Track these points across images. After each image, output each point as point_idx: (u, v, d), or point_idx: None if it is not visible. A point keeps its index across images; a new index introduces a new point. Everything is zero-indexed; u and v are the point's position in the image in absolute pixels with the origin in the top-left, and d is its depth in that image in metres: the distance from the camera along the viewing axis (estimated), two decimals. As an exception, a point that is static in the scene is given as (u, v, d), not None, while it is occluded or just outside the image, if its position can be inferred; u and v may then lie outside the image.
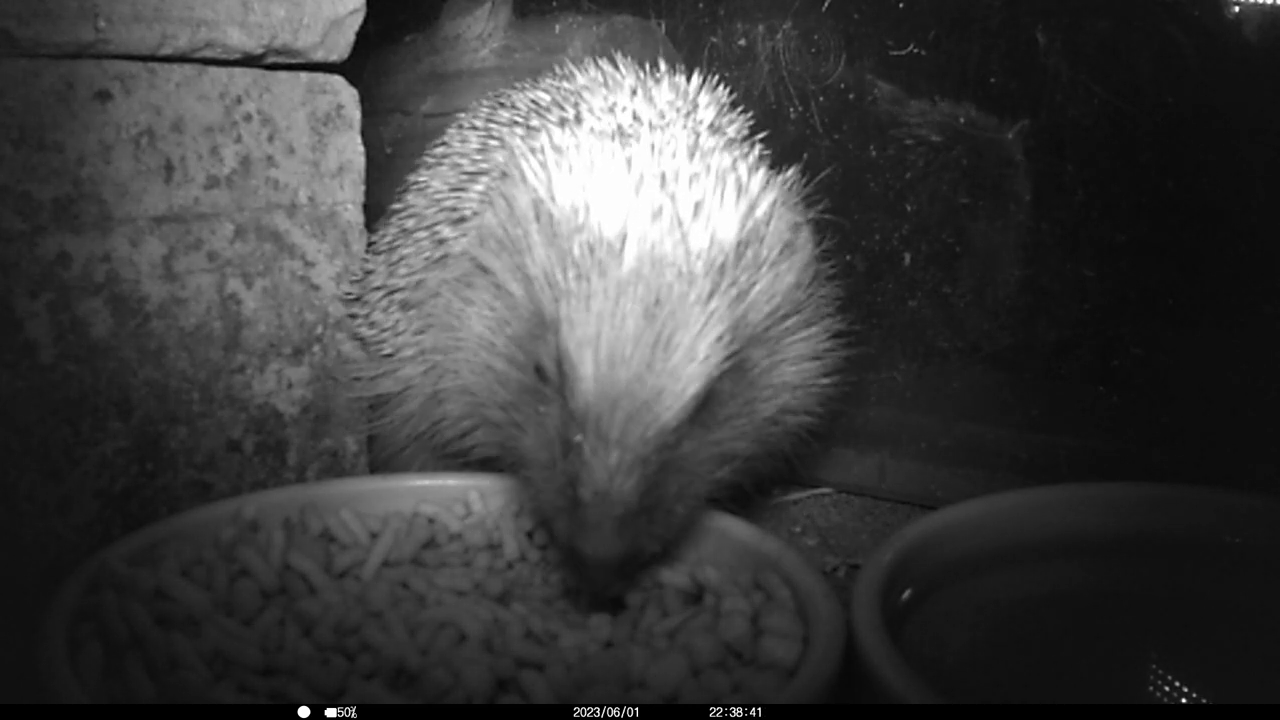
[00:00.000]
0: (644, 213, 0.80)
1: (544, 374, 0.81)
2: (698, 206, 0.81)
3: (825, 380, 0.95)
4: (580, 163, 0.84)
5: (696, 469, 0.82)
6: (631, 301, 0.76)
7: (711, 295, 0.78)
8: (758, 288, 0.83)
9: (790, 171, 0.94)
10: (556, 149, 0.87)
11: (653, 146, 0.87)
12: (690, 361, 0.77)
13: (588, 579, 0.78)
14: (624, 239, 0.78)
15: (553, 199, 0.83)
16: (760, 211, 0.84)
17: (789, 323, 0.89)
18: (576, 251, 0.79)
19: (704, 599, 0.84)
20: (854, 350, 0.99)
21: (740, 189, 0.84)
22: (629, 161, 0.84)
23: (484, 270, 0.90)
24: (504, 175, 0.92)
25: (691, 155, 0.87)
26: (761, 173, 0.88)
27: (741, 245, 0.82)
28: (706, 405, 0.80)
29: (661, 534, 0.80)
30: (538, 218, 0.83)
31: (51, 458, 0.92)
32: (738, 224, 0.82)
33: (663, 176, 0.83)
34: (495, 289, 0.88)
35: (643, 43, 1.35)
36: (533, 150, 0.90)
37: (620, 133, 0.92)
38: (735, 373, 0.83)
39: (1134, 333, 1.17)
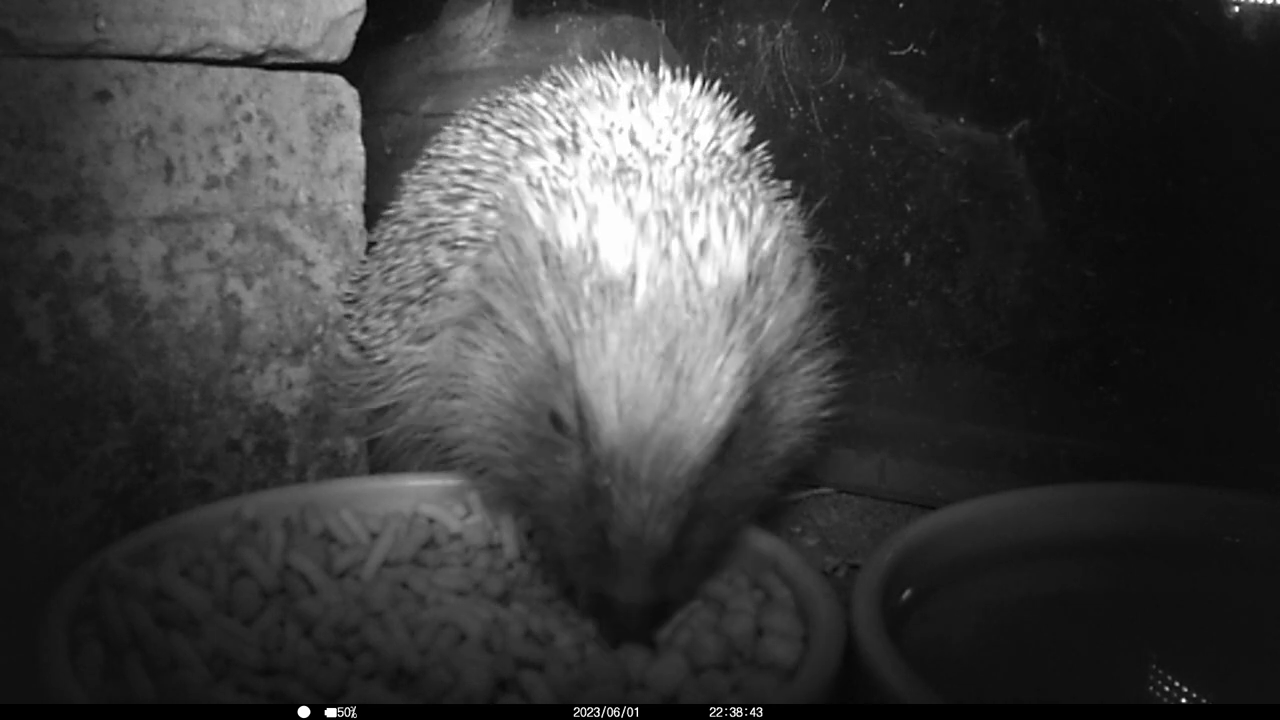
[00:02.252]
0: (652, 252, 0.78)
1: (560, 421, 0.79)
2: (703, 245, 0.80)
3: (825, 414, 0.94)
4: (583, 207, 0.83)
5: (721, 514, 0.80)
6: (648, 339, 0.74)
7: (729, 329, 0.77)
8: (770, 323, 0.82)
9: (790, 205, 0.93)
10: (559, 193, 0.85)
11: (652, 181, 0.85)
12: (714, 395, 0.75)
13: (616, 625, 0.77)
14: (634, 277, 0.77)
15: (559, 241, 0.81)
16: (766, 247, 0.83)
17: (795, 357, 0.88)
18: (587, 292, 0.77)
19: (704, 600, 0.84)
20: (854, 355, 0.99)
21: (744, 225, 0.83)
22: (630, 202, 0.82)
23: (490, 311, 0.87)
24: (509, 215, 0.90)
25: (691, 192, 0.85)
26: (762, 208, 0.87)
27: (752, 281, 0.81)
28: (729, 444, 0.78)
29: (690, 584, 0.80)
30: (545, 260, 0.81)
31: (51, 458, 0.92)
32: (745, 260, 0.81)
33: (666, 215, 0.81)
34: (502, 333, 0.86)
35: (643, 43, 1.35)
36: (532, 185, 0.88)
37: (620, 167, 0.90)
38: (752, 410, 0.81)
39: (1134, 333, 1.17)
